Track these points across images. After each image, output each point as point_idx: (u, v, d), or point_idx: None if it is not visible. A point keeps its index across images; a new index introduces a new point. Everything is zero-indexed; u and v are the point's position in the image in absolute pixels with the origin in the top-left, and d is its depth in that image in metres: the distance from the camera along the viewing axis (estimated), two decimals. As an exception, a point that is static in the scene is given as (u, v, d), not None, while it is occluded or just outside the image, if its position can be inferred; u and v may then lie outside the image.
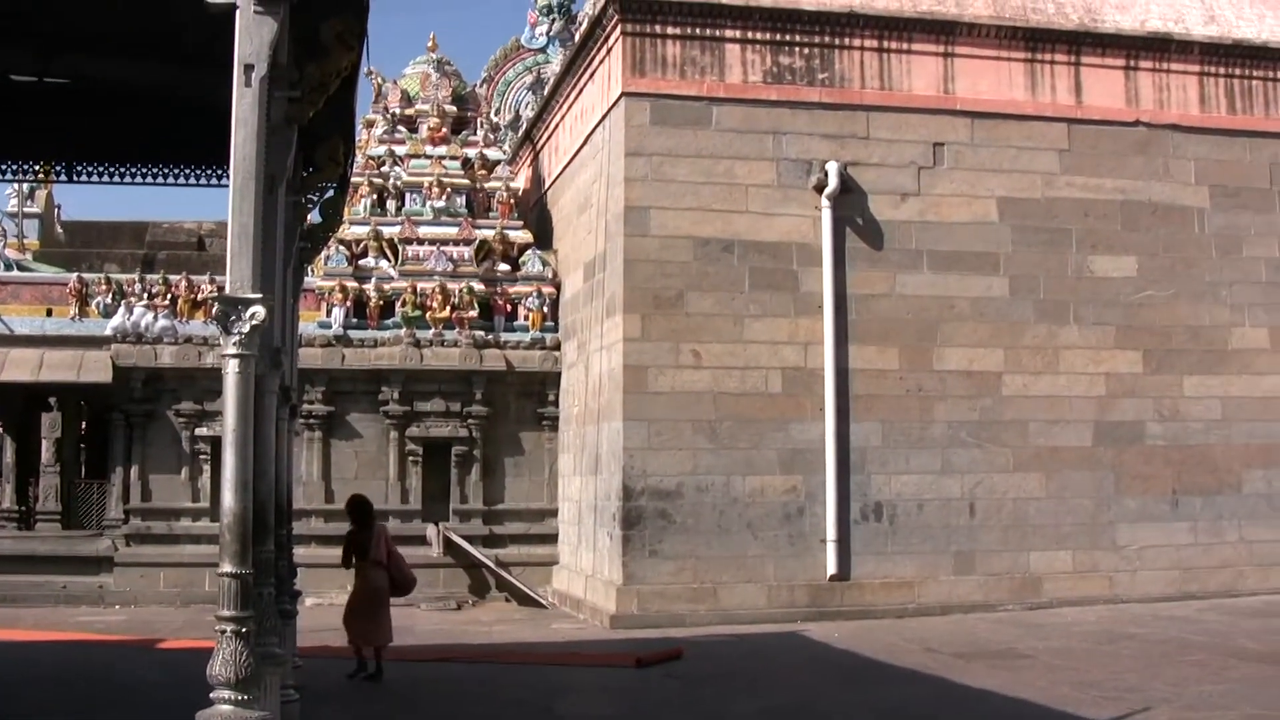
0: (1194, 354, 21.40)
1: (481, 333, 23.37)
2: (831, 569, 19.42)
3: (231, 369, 6.73)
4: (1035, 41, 21.29)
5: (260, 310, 6.70)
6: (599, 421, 20.53)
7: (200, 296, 23.24)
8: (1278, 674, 14.32)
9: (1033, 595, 20.06)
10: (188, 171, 13.45)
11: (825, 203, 19.89)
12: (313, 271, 21.94)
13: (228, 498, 6.73)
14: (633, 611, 18.88)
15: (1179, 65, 21.97)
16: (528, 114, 27.59)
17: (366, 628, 14.78)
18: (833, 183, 19.87)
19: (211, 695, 6.58)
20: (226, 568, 6.70)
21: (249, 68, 6.74)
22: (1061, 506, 20.37)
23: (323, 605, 21.38)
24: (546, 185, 25.83)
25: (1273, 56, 22.40)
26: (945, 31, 20.92)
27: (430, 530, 22.79)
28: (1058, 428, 20.61)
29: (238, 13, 6.75)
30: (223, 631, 6.64)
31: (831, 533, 19.45)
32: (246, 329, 6.70)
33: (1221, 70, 22.20)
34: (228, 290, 6.72)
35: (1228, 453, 21.40)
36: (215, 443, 21.45)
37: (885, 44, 20.70)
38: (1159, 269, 21.36)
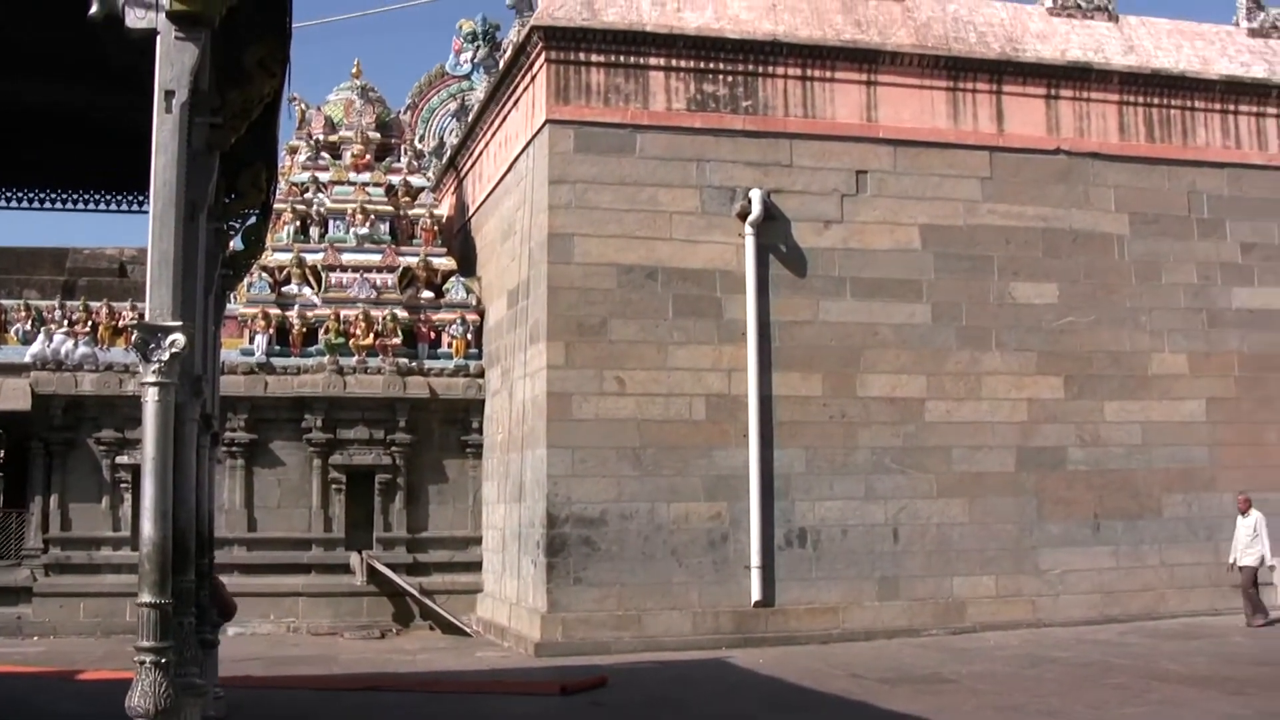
0: (1115, 379, 21.60)
1: (405, 360, 23.27)
2: (756, 595, 19.41)
3: (151, 397, 6.63)
4: (957, 70, 21.49)
5: (180, 338, 6.62)
6: (523, 449, 20.46)
7: (121, 323, 23.05)
8: (1198, 696, 14.41)
9: (957, 620, 20.14)
10: (109, 197, 13.30)
11: (749, 230, 19.94)
12: (235, 298, 21.84)
13: (147, 527, 6.63)
14: (557, 639, 18.80)
15: (1099, 94, 22.23)
16: (452, 141, 27.53)
17: None
18: (756, 210, 19.92)
19: (131, 727, 6.49)
20: (146, 597, 6.60)
21: (170, 93, 6.66)
22: (985, 531, 20.48)
23: (245, 635, 21.26)
24: (470, 212, 25.76)
25: (1190, 86, 22.71)
26: (868, 60, 21.06)
27: (354, 558, 22.65)
28: (980, 453, 20.73)
29: (159, 38, 6.65)
30: (142, 662, 6.53)
31: (756, 559, 19.45)
32: (166, 357, 6.61)
33: (1140, 99, 22.47)
34: (148, 318, 6.63)
35: (1148, 477, 21.61)
36: (136, 471, 21.19)
37: (809, 72, 20.81)
38: (1080, 295, 21.56)
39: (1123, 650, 18.15)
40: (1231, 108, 23.06)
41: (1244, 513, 20.48)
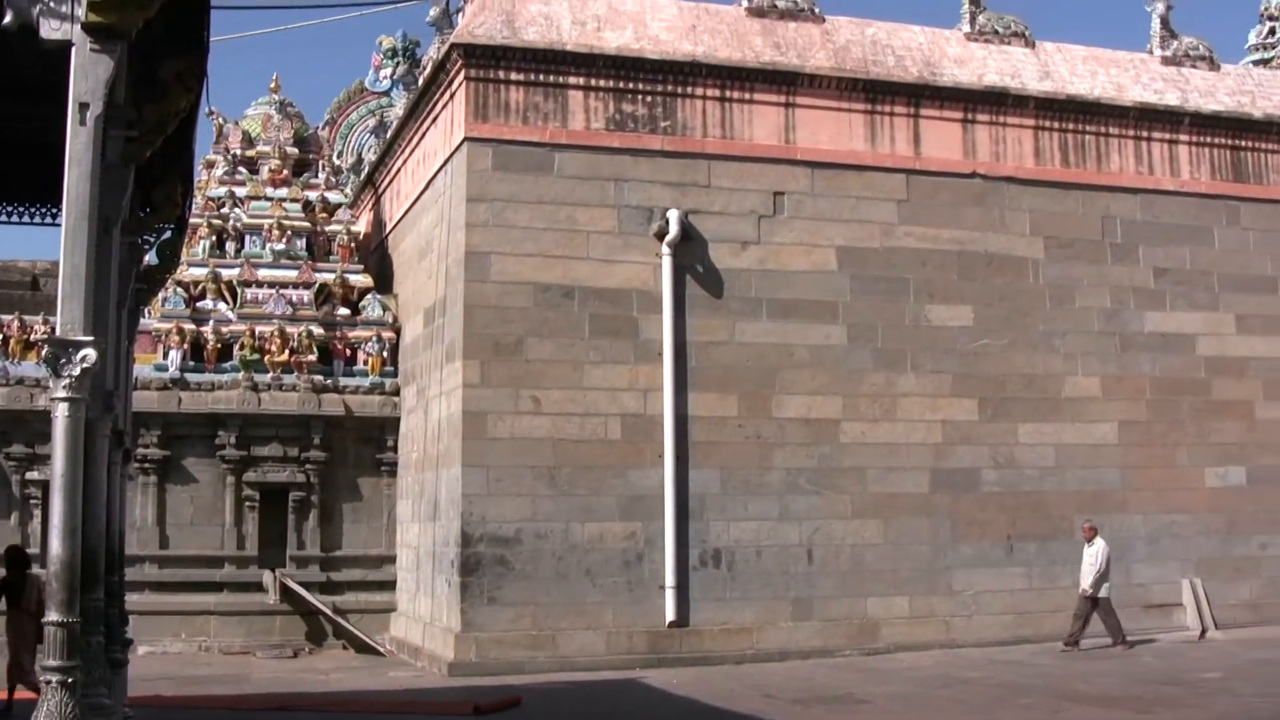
0: (1028, 402, 21.77)
1: (320, 377, 23.09)
2: (670, 615, 19.39)
3: (61, 412, 6.55)
4: (875, 93, 21.62)
5: (91, 353, 6.54)
6: (438, 467, 20.37)
7: (33, 337, 22.67)
8: (1109, 716, 14.58)
9: (870, 640, 20.21)
10: (21, 209, 13.11)
11: (666, 250, 19.96)
12: (149, 313, 21.57)
13: (55, 544, 6.55)
14: (471, 659, 18.70)
15: (1015, 119, 22.44)
16: (370, 157, 27.41)
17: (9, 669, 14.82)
18: (674, 230, 19.94)
19: (37, 747, 6.41)
20: (53, 616, 6.54)
21: (84, 106, 6.59)
22: (899, 552, 20.56)
23: (156, 654, 21.05)
24: (388, 229, 25.64)
25: (1105, 112, 22.96)
26: (787, 82, 21.15)
27: (267, 577, 22.44)
28: (895, 475, 20.83)
29: (73, 50, 6.59)
30: (48, 681, 6.49)
31: (670, 579, 19.44)
32: (77, 372, 6.54)
33: (1056, 125, 22.70)
34: (59, 332, 6.56)
35: (1061, 499, 21.79)
36: (46, 487, 20.82)
37: (727, 93, 20.87)
38: (994, 318, 21.72)
39: (1035, 671, 18.27)
40: (1145, 134, 23.33)
41: (1089, 541, 20.53)
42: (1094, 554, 20.37)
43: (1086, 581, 20.34)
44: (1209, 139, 23.82)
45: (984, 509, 21.24)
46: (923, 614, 20.69)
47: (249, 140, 25.58)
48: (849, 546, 20.43)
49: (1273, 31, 32.06)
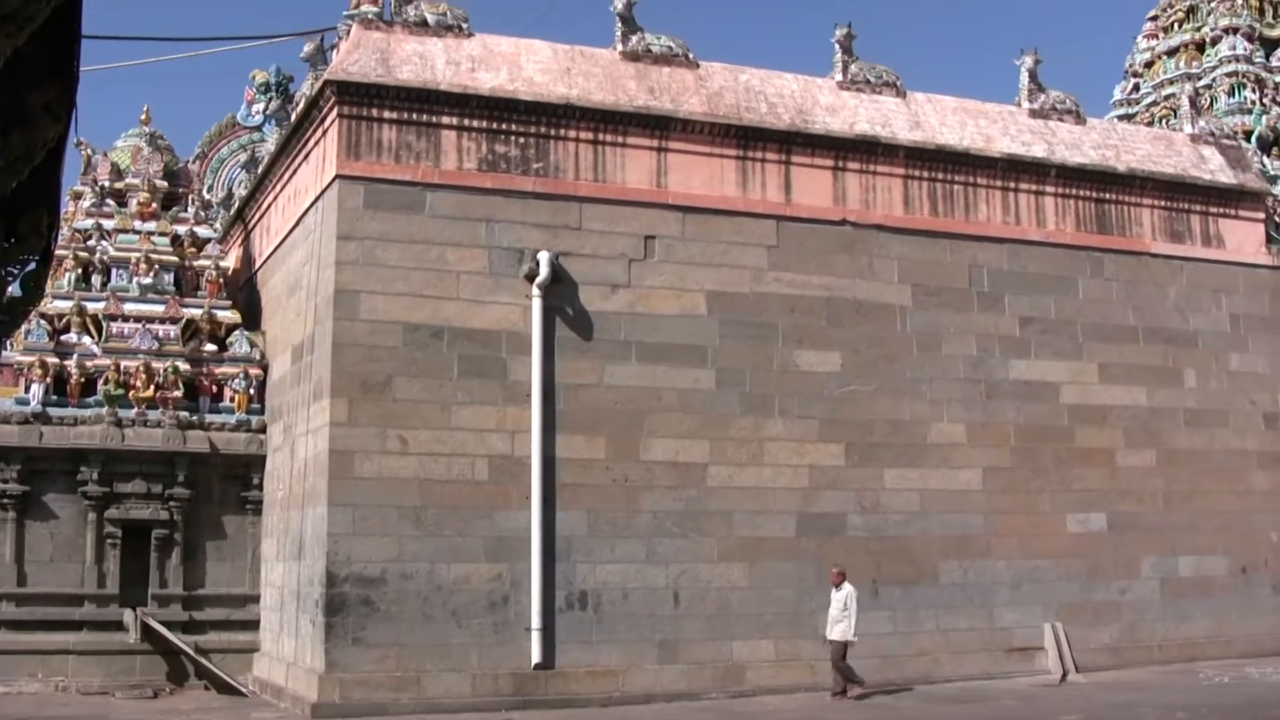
0: (894, 447, 22.00)
1: (186, 413, 22.76)
2: (536, 658, 19.32)
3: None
4: (747, 140, 21.81)
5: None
6: (304, 506, 20.17)
7: (-110, 369, 22.25)
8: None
9: (736, 683, 20.24)
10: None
11: (536, 292, 19.97)
12: (12, 346, 21.23)
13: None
14: (335, 700, 18.48)
15: (885, 168, 22.74)
16: (241, 192, 27.15)
17: None
18: (544, 272, 19.96)
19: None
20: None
21: (-54, 135, 6.50)
22: (765, 596, 20.65)
23: (11, 694, 20.66)
24: (257, 265, 25.40)
25: (973, 162, 23.35)
26: (660, 126, 21.29)
27: (128, 615, 22.03)
28: (762, 518, 20.93)
29: (-69, 78, 6.50)
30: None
31: (536, 621, 19.37)
32: (-67, 403, 6.42)
33: (925, 174, 23.03)
34: (-84, 363, 6.44)
35: (926, 544, 22.01)
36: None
37: (600, 136, 20.96)
38: (862, 364, 21.95)
39: (897, 714, 18.48)
40: (1012, 185, 23.75)
41: (837, 586, 20.15)
42: (843, 599, 19.98)
43: (843, 630, 19.85)
44: (1074, 191, 24.31)
45: (849, 553, 21.35)
46: (788, 657, 20.77)
47: (118, 172, 25.26)
48: (715, 589, 20.47)
49: (1137, 88, 32.92)
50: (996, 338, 23.11)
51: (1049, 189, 24.06)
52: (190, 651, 22.09)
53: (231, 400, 23.26)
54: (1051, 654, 22.33)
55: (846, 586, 20.05)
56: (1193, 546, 24.23)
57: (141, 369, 22.63)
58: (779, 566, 20.91)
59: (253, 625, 22.74)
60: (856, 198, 22.48)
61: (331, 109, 20.05)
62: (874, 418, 21.91)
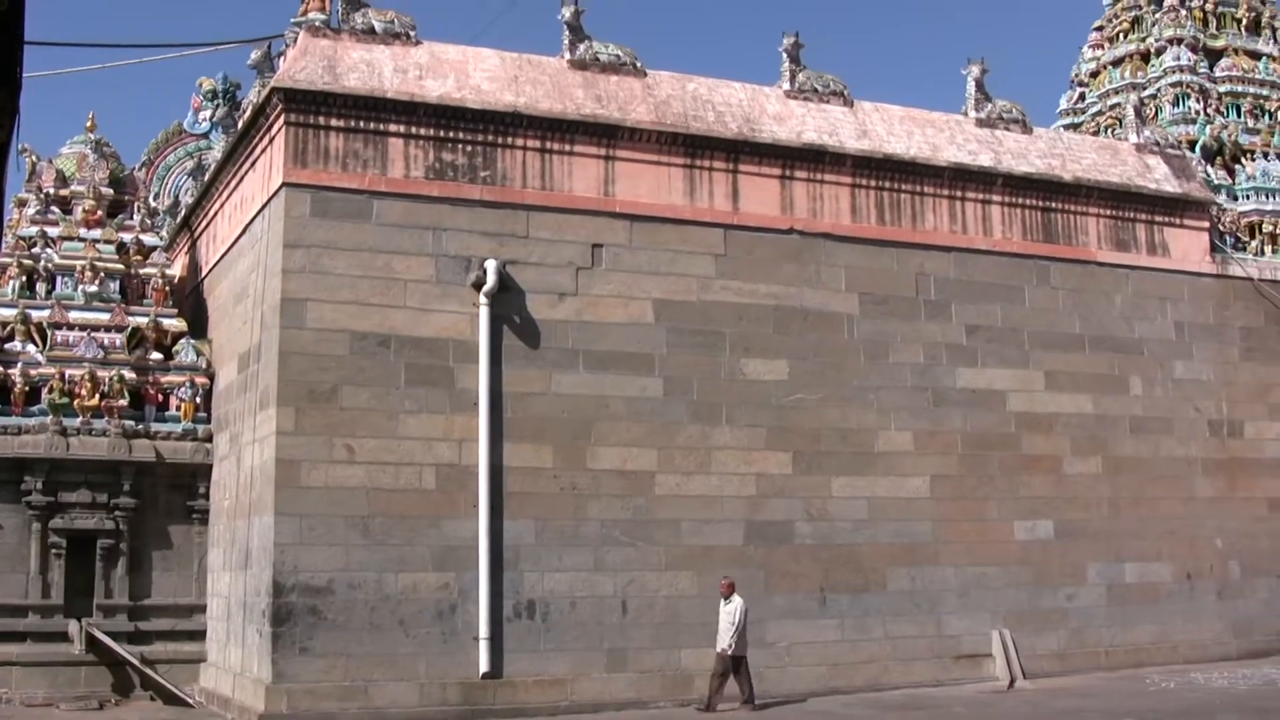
0: (842, 456, 22.05)
1: (131, 422, 22.61)
2: (484, 667, 19.26)
3: None
4: (695, 148, 21.85)
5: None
6: (250, 515, 20.07)
7: None
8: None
9: (684, 692, 20.21)
10: None
11: (483, 300, 19.94)
12: (-46, 354, 21.06)
13: None
14: (282, 710, 18.38)
15: (832, 176, 22.81)
16: (187, 200, 26.99)
17: None
18: (491, 280, 19.93)
19: None
20: None
21: (-110, 139, 6.44)
22: (712, 605, 20.50)
23: (-47, 706, 20.46)
24: (204, 273, 25.24)
25: (920, 171, 23.46)
26: (607, 135, 21.30)
27: (73, 626, 21.84)
28: (709, 527, 20.95)
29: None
30: None
31: (484, 630, 19.32)
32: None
33: (872, 183, 23.12)
34: None
35: (873, 551, 22.07)
36: None
37: (548, 145, 20.96)
38: (809, 373, 22.00)
39: (842, 723, 18.49)
40: (959, 194, 23.86)
41: (726, 598, 19.75)
42: (731, 611, 19.60)
43: (726, 639, 19.51)
44: (1021, 200, 24.44)
45: (797, 561, 21.43)
46: (736, 665, 20.78)
47: (63, 179, 25.08)
48: (663, 598, 20.47)
49: (1082, 97, 33.15)
50: (944, 346, 23.21)
51: (995, 198, 24.19)
52: (136, 662, 21.94)
53: (178, 409, 23.12)
54: (999, 661, 22.43)
55: (736, 599, 19.69)
56: (1139, 553, 24.40)
57: (86, 377, 22.46)
58: (727, 574, 20.87)
59: (199, 635, 22.60)
60: (804, 206, 22.54)
61: (278, 116, 19.97)
62: (822, 426, 21.97)
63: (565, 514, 20.15)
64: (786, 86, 23.74)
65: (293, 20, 21.58)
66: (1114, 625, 23.92)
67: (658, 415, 20.91)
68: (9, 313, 22.90)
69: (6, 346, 22.78)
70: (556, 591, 19.94)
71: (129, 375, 22.85)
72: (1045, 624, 23.27)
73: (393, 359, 19.60)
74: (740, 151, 22.18)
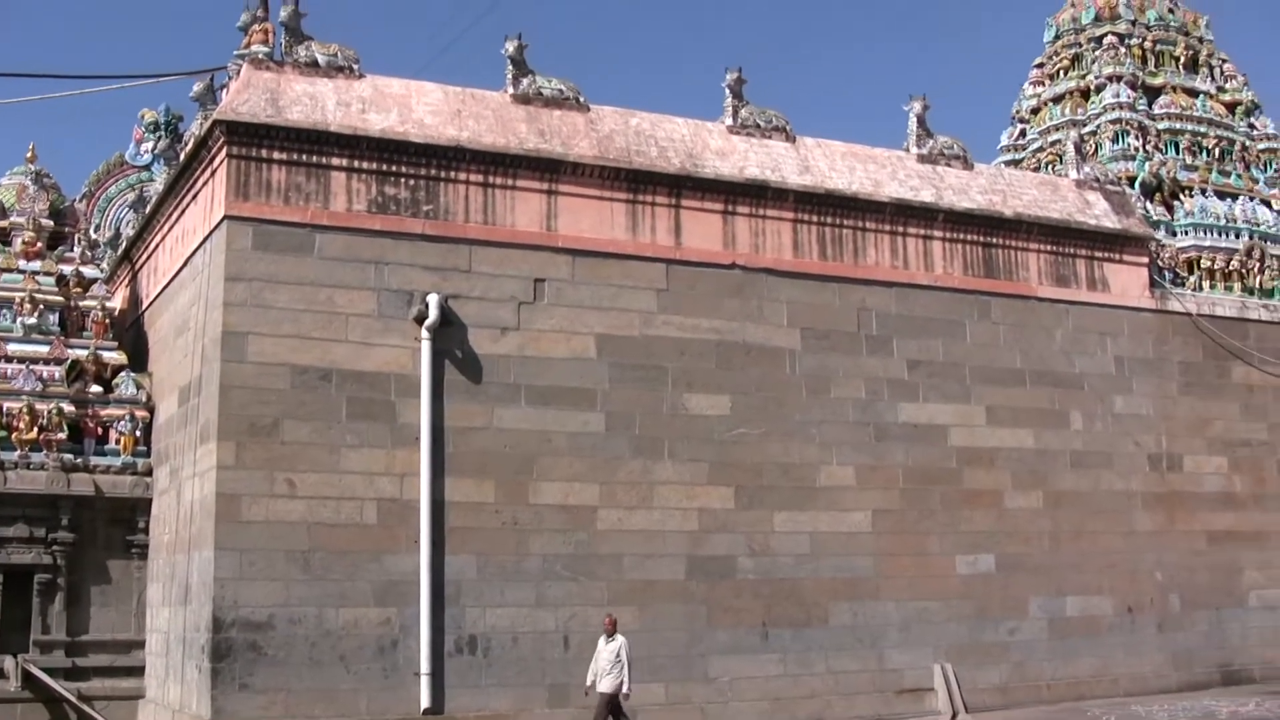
0: (784, 490, 22.10)
1: (70, 456, 22.41)
2: (425, 703, 19.17)
3: None
4: (637, 183, 21.91)
5: None
6: (190, 550, 19.92)
7: None
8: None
9: (626, 727, 20.19)
10: None
11: (425, 334, 19.91)
12: (-110, 387, 20.85)
13: None
14: (220, 747, 18.27)
15: (774, 212, 22.91)
16: (129, 232, 26.81)
17: None
18: (433, 315, 19.91)
19: None
20: None
21: None
22: (655, 639, 20.60)
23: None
24: (145, 306, 25.09)
25: (861, 207, 23.59)
26: (550, 169, 21.33)
27: (8, 662, 21.61)
28: (651, 561, 20.94)
29: None
30: None
31: (425, 666, 19.24)
32: None
33: (814, 218, 23.23)
34: None
35: (816, 586, 22.11)
36: None
37: (490, 179, 20.97)
38: (752, 408, 22.05)
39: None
40: (900, 229, 24.01)
41: (610, 635, 19.25)
42: (614, 650, 19.07)
43: (623, 682, 18.92)
44: (962, 235, 24.60)
45: (740, 596, 21.44)
46: (679, 700, 20.76)
47: (2, 211, 24.88)
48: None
49: (1023, 133, 33.41)
50: (885, 380, 23.32)
51: (937, 233, 24.34)
52: (73, 699, 21.72)
53: (117, 443, 22.92)
54: (941, 695, 22.49)
55: (619, 637, 19.16)
56: (1079, 586, 24.53)
57: (25, 410, 22.25)
58: (669, 609, 20.91)
59: (138, 671, 22.38)
60: (746, 241, 22.61)
61: (220, 149, 19.90)
62: (764, 460, 22.01)
63: (507, 549, 20.09)
64: (729, 122, 23.84)
65: (236, 52, 21.54)
66: (1055, 658, 24.02)
67: (600, 450, 20.90)
68: (-54, 345, 22.70)
69: (-56, 379, 22.58)
70: (498, 627, 19.88)
71: (68, 408, 22.66)
72: (987, 657, 23.36)
73: (334, 393, 19.53)
74: (683, 187, 22.25)
